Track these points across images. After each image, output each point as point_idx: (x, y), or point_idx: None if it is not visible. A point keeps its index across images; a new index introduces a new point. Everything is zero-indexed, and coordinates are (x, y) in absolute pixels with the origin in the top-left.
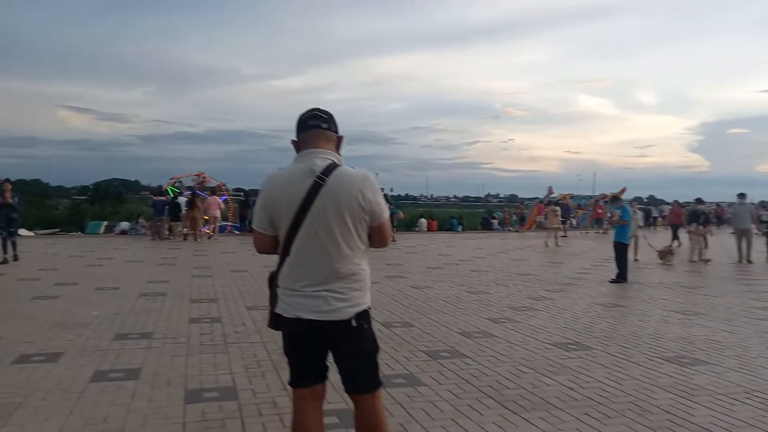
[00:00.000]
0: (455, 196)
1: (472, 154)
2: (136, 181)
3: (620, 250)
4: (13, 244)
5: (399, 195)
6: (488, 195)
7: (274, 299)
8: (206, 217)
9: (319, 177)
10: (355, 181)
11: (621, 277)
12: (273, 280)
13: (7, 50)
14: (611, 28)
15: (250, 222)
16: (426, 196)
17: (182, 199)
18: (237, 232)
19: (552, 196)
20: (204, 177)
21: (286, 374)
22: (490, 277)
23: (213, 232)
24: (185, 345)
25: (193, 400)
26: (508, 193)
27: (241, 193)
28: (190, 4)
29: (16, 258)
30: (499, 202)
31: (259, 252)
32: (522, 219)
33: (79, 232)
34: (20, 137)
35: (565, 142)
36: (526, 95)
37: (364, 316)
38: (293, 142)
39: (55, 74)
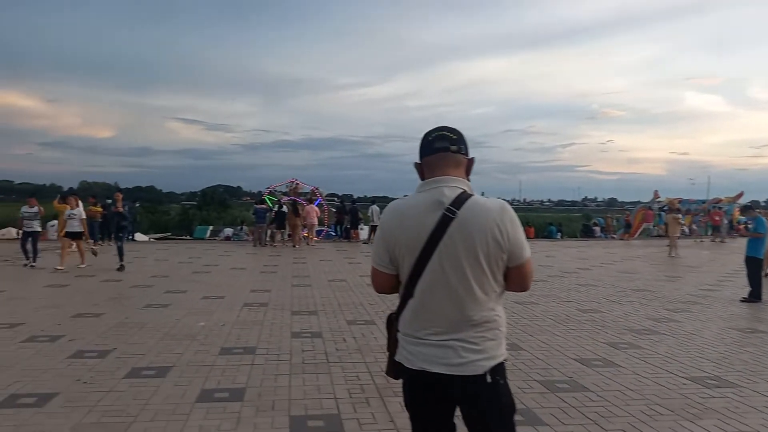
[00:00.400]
0: (549, 200)
1: (568, 156)
2: (239, 187)
3: (754, 266)
4: (120, 252)
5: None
6: (585, 199)
7: (393, 345)
8: (304, 224)
9: (448, 209)
10: (491, 214)
11: (754, 296)
12: (392, 323)
13: (124, 67)
14: (721, 20)
15: (346, 228)
16: (518, 200)
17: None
18: (333, 234)
19: (658, 200)
20: (297, 183)
21: (392, 402)
22: (601, 292)
23: (311, 238)
24: (288, 363)
25: (298, 429)
26: (607, 196)
27: (335, 198)
28: (282, 19)
29: (123, 267)
30: (597, 206)
31: (378, 291)
32: (628, 226)
33: (188, 236)
34: (137, 147)
35: (669, 143)
36: (625, 95)
37: (499, 369)
38: (416, 165)
39: (166, 88)
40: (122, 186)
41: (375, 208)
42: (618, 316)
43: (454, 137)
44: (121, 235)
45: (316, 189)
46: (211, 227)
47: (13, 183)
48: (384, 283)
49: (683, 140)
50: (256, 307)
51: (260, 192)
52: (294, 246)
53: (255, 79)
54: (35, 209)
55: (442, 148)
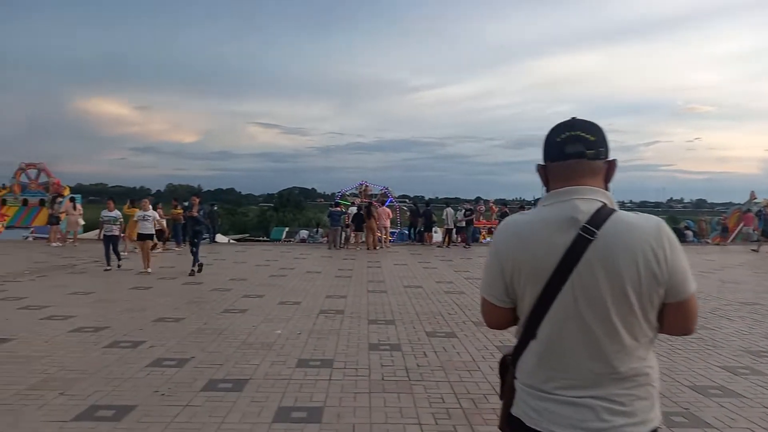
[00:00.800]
0: (631, 201)
1: (650, 155)
2: (313, 189)
3: None
4: (194, 257)
5: None
6: (670, 200)
7: (509, 394)
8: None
9: (585, 228)
10: (643, 235)
11: None
12: (508, 368)
13: (209, 76)
14: None
15: (419, 231)
16: None
17: (353, 209)
18: (406, 237)
19: (755, 201)
20: (366, 185)
21: (481, 430)
22: (704, 305)
23: (386, 239)
24: (367, 379)
25: None
26: (695, 197)
27: (407, 200)
28: (357, 24)
29: (194, 273)
30: (684, 207)
31: (489, 326)
32: (725, 229)
33: (265, 237)
34: (218, 151)
35: (766, 140)
36: (716, 89)
37: None
38: (539, 169)
39: (247, 95)
40: (204, 188)
41: (449, 210)
42: (729, 334)
43: (592, 138)
44: (196, 240)
45: (386, 189)
46: (287, 228)
47: (107, 186)
48: (497, 318)
49: None
50: (332, 315)
51: (334, 194)
52: (368, 249)
53: (331, 83)
54: (114, 213)
55: (575, 154)
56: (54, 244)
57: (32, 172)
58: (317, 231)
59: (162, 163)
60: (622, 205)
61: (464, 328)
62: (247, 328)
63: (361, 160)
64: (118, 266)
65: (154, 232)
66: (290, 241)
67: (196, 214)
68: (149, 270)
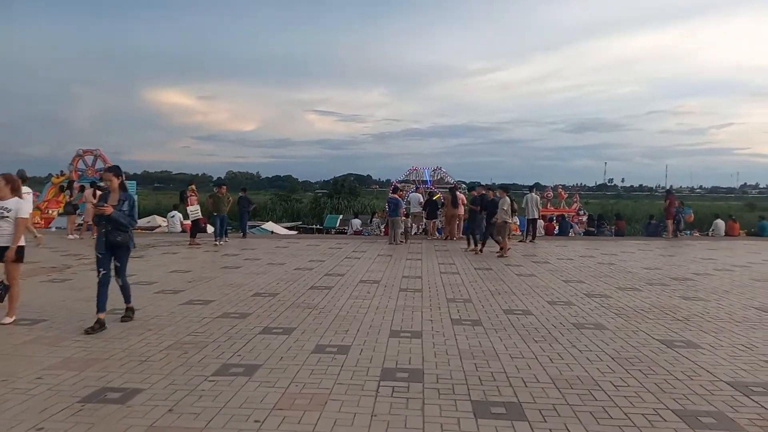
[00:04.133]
0: (701, 187)
1: (723, 138)
2: (368, 176)
3: None
4: (123, 289)
5: (631, 186)
6: (745, 185)
7: None
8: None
9: None
10: None
11: None
12: None
13: (268, 65)
14: None
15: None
16: (663, 187)
17: (415, 196)
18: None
19: None
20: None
21: None
22: None
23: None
24: None
25: None
26: None
27: (462, 185)
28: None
29: (127, 318)
30: (760, 193)
31: None
32: None
33: (319, 225)
34: (278, 139)
35: None
36: None
37: None
38: None
39: (304, 83)
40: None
41: (533, 197)
42: None
43: None
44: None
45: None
46: (341, 216)
47: (171, 173)
48: None
49: None
50: (403, 389)
51: (389, 180)
52: (451, 238)
53: (387, 69)
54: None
55: None
56: (71, 236)
57: (89, 159)
58: (371, 220)
59: (222, 151)
60: (692, 191)
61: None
62: (258, 409)
63: (417, 146)
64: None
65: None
66: (344, 230)
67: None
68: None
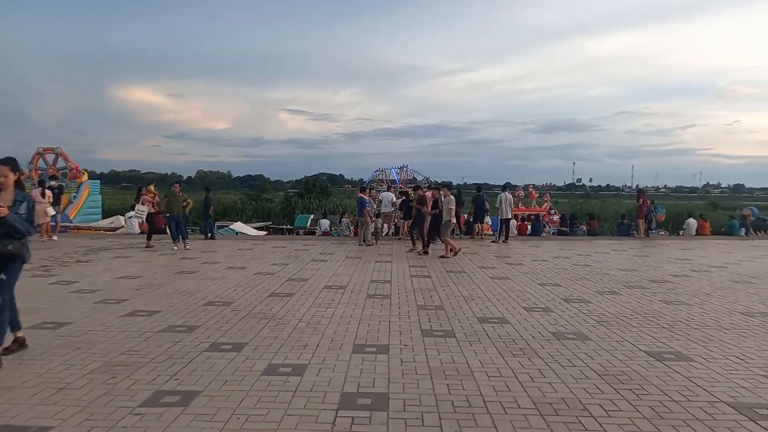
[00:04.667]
0: (666, 186)
1: (687, 138)
2: (341, 175)
3: None
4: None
5: (599, 186)
6: (707, 185)
7: None
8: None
9: None
10: None
11: None
12: None
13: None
14: None
15: (468, 221)
16: (630, 187)
17: (387, 195)
18: None
19: None
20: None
21: None
22: None
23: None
24: None
25: None
26: (732, 182)
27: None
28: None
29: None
30: (722, 192)
31: None
32: None
33: (290, 225)
34: (250, 138)
35: None
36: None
37: None
38: None
39: (276, 81)
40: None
41: (507, 196)
42: None
43: None
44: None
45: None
46: (312, 216)
47: (140, 172)
48: None
49: None
50: (364, 420)
51: (362, 180)
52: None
53: (359, 69)
54: None
55: None
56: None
57: (50, 157)
58: (340, 221)
59: (193, 150)
60: (657, 191)
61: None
62: None
63: (389, 145)
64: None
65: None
66: (315, 230)
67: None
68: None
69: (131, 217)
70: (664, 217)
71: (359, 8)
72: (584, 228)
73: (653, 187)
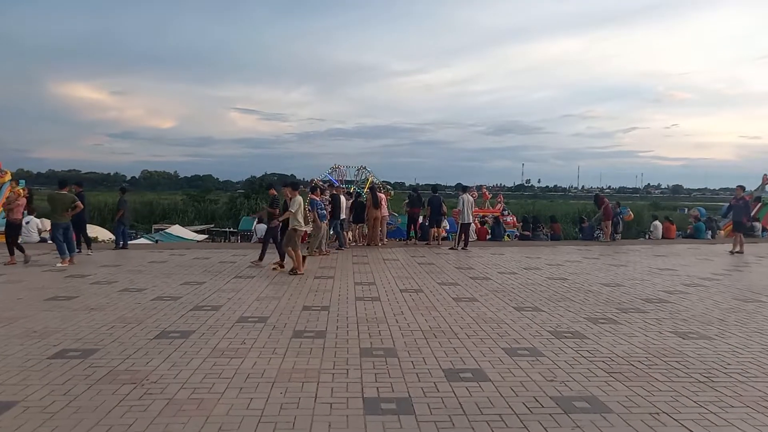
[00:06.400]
0: (610, 187)
1: (629, 141)
2: (292, 175)
3: None
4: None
5: (547, 186)
6: (648, 186)
7: None
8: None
9: None
10: None
11: None
12: None
13: (186, 60)
14: None
15: (423, 224)
16: (576, 188)
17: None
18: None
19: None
20: (338, 167)
21: None
22: None
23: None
24: None
25: None
26: (671, 183)
27: (410, 190)
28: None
29: None
30: (662, 193)
31: None
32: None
33: (233, 228)
34: (198, 137)
35: (740, 127)
36: (696, 75)
37: None
38: None
39: (225, 80)
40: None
41: (468, 198)
42: None
43: None
44: None
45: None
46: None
47: (80, 172)
48: None
49: (757, 123)
50: None
51: (313, 180)
52: (375, 244)
53: (311, 68)
54: None
55: None
56: None
57: None
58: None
59: (138, 150)
60: (601, 191)
61: None
62: None
63: (341, 146)
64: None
65: None
66: (250, 233)
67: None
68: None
69: (29, 222)
70: (632, 216)
71: (310, 5)
72: (548, 232)
73: (598, 187)
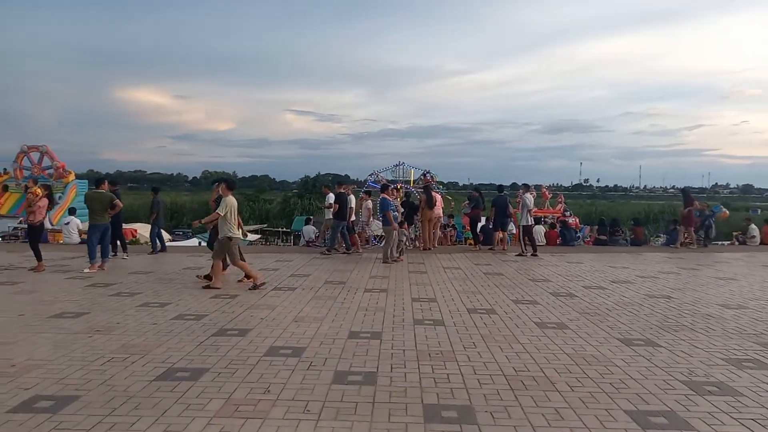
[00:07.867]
0: (674, 187)
1: (694, 139)
2: (346, 176)
3: None
4: None
5: (606, 186)
6: (715, 185)
7: None
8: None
9: None
10: None
11: None
12: None
13: (245, 64)
14: None
15: (484, 227)
16: (638, 188)
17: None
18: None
19: None
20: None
21: None
22: None
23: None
24: None
25: None
26: (741, 182)
27: (471, 190)
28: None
29: None
30: (730, 193)
31: None
32: None
33: (285, 228)
34: (256, 139)
35: None
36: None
37: None
38: None
39: (281, 82)
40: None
41: (529, 198)
42: None
43: None
44: None
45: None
46: (312, 217)
47: (146, 173)
48: None
49: None
50: None
51: (366, 181)
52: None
53: (364, 70)
54: None
55: None
56: None
57: (35, 155)
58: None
59: (199, 151)
60: (665, 191)
61: None
62: None
63: (394, 146)
64: None
65: None
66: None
67: None
68: None
69: (68, 223)
70: (728, 214)
71: (364, 9)
72: (628, 236)
73: (661, 187)
